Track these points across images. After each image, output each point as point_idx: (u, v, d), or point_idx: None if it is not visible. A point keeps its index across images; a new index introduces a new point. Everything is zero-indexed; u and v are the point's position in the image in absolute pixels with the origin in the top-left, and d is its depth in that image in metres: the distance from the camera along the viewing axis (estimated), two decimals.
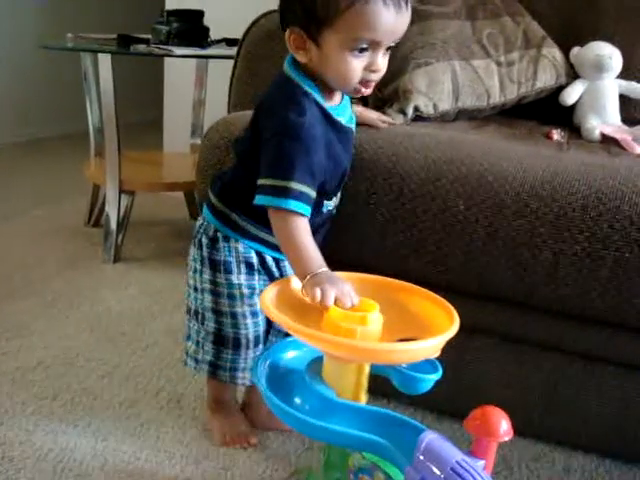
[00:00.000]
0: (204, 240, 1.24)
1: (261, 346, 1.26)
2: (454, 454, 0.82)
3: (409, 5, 1.06)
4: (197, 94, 2.78)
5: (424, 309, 1.03)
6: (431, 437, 0.84)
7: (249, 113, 1.50)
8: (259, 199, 1.07)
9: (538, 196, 1.22)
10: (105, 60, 2.17)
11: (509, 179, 1.24)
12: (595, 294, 1.20)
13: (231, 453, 1.33)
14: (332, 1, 1.02)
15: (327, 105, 1.12)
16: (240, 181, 1.19)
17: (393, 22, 1.03)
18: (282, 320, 0.91)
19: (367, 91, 1.12)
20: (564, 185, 1.22)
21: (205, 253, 1.24)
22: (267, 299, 0.97)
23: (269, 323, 1.27)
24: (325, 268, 1.01)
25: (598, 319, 1.25)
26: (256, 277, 1.23)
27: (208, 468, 1.29)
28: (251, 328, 1.24)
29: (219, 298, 1.24)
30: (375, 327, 0.94)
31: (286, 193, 1.04)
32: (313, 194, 1.07)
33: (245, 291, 1.23)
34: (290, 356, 1.06)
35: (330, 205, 1.21)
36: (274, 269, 1.24)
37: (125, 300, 2.00)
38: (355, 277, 1.07)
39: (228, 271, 1.22)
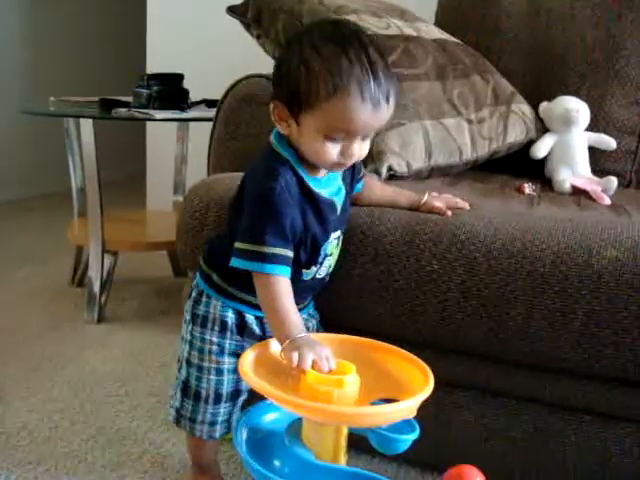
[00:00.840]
0: (193, 294, 1.29)
1: (223, 405, 1.26)
2: None
3: (391, 99, 1.08)
4: (179, 152, 2.83)
5: (400, 368, 1.05)
6: None
7: (228, 176, 1.55)
8: (234, 261, 1.11)
9: (509, 253, 1.25)
10: (87, 124, 2.22)
11: (480, 237, 1.28)
12: (568, 347, 1.23)
13: None
14: (314, 89, 1.05)
15: (307, 176, 1.15)
16: (221, 244, 1.24)
17: (370, 118, 1.06)
18: (259, 386, 0.93)
19: (341, 169, 1.17)
20: (534, 241, 1.26)
21: (189, 307, 1.28)
22: (245, 364, 0.99)
23: (238, 386, 1.28)
24: (304, 333, 1.04)
25: (573, 371, 1.27)
26: (228, 337, 1.25)
27: None
28: (212, 384, 1.25)
29: (192, 350, 1.27)
30: (352, 389, 0.95)
31: (260, 257, 1.08)
32: (289, 253, 1.10)
33: (214, 348, 1.25)
34: (270, 418, 1.07)
35: (309, 274, 1.22)
36: (255, 327, 1.26)
37: (109, 361, 2.01)
38: (333, 338, 1.10)
39: (202, 325, 1.26)
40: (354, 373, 0.97)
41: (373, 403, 0.98)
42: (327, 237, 1.21)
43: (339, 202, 1.22)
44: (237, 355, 1.21)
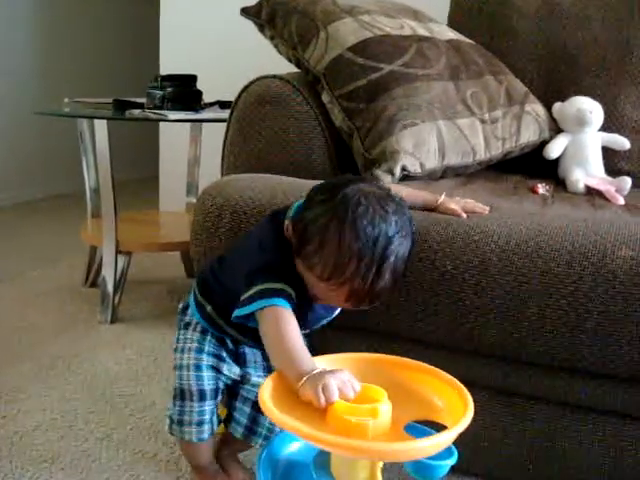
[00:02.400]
0: (182, 308, 1.39)
1: (207, 402, 1.29)
2: None
3: (377, 302, 1.10)
4: (192, 153, 2.84)
5: (427, 385, 0.99)
6: None
7: (242, 177, 1.56)
8: (240, 311, 1.11)
9: (523, 253, 1.25)
10: (101, 125, 2.23)
11: (494, 237, 1.28)
12: (582, 347, 1.23)
13: None
14: (315, 262, 1.06)
15: None
16: (217, 281, 1.31)
17: (346, 307, 1.12)
18: (286, 423, 0.86)
19: None
20: (548, 241, 1.26)
21: (177, 319, 1.39)
22: (266, 397, 0.91)
23: (217, 384, 1.31)
24: (318, 369, 0.98)
25: (587, 370, 1.27)
26: (207, 340, 1.32)
27: None
28: (193, 380, 1.28)
29: (176, 353, 1.33)
30: (386, 417, 0.89)
31: (268, 294, 1.08)
32: (292, 292, 1.10)
33: (193, 346, 1.31)
34: (294, 448, 1.02)
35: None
36: (229, 342, 1.33)
37: (123, 361, 2.02)
38: (353, 358, 1.05)
39: (185, 328, 1.34)
40: (386, 399, 0.91)
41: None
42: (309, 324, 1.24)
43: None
44: (215, 356, 1.30)
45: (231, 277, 1.23)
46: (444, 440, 0.85)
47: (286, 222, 1.15)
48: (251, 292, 1.09)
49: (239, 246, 1.30)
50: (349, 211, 1.04)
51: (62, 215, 3.93)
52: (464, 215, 1.35)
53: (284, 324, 1.06)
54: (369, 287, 1.05)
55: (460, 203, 1.39)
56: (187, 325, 1.34)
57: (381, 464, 0.94)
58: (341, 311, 1.27)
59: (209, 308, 1.30)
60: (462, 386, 0.95)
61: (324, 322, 1.28)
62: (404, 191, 1.41)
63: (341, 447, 0.84)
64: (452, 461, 0.94)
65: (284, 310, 1.07)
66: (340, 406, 0.88)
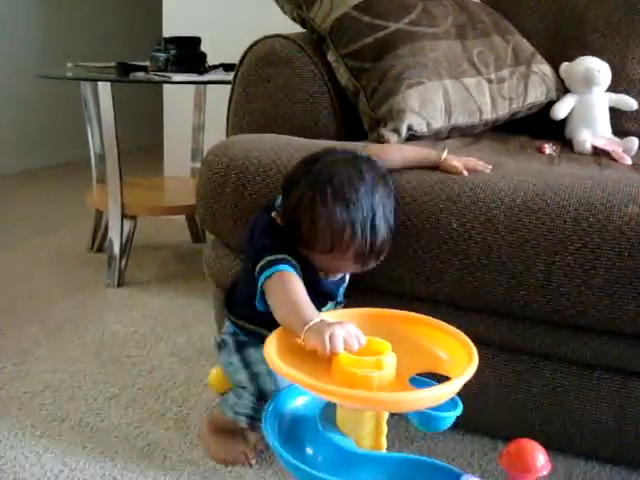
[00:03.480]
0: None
1: None
2: None
3: (382, 257, 1.16)
4: (196, 118, 2.83)
5: (432, 339, 0.99)
6: None
7: (248, 137, 1.55)
8: (257, 298, 1.14)
9: (530, 210, 1.25)
10: (105, 88, 2.22)
11: (501, 195, 1.27)
12: (589, 303, 1.23)
13: (238, 470, 1.35)
14: (312, 240, 1.11)
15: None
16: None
17: (355, 270, 1.17)
18: (292, 375, 0.86)
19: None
20: (555, 198, 1.25)
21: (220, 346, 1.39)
22: (271, 350, 0.92)
23: None
24: (322, 317, 1.00)
25: (593, 327, 1.27)
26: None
27: None
28: (276, 382, 1.25)
29: (240, 372, 1.33)
30: (391, 370, 0.89)
31: (270, 264, 1.11)
32: (294, 261, 1.12)
33: (255, 356, 1.31)
34: (299, 403, 1.02)
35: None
36: None
37: (130, 323, 2.03)
38: (358, 313, 1.05)
39: (236, 350, 1.35)
40: (390, 351, 0.91)
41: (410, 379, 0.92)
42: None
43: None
44: None
45: (245, 280, 1.26)
46: (449, 390, 0.86)
47: (273, 214, 1.18)
48: (256, 271, 1.12)
49: (245, 253, 1.31)
50: (327, 183, 1.10)
51: (65, 183, 3.92)
52: (465, 173, 1.34)
53: (289, 282, 1.08)
54: (370, 244, 1.09)
55: (462, 160, 1.38)
56: (240, 345, 1.33)
57: (386, 416, 0.94)
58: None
59: (246, 324, 1.32)
60: (466, 338, 0.96)
61: (342, 290, 1.29)
62: (406, 149, 1.42)
63: (347, 398, 0.84)
64: (457, 412, 0.95)
65: (288, 273, 1.09)
66: (345, 359, 0.88)
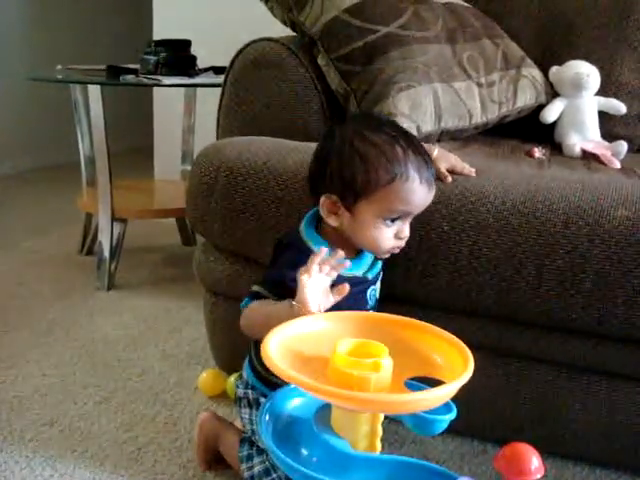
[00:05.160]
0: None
1: None
2: None
3: (434, 174, 1.17)
4: (186, 121, 2.83)
5: (427, 344, 0.99)
6: None
7: (238, 140, 1.55)
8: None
9: (520, 213, 1.26)
10: (95, 91, 2.21)
11: (491, 198, 1.28)
12: (578, 307, 1.24)
13: (228, 475, 1.35)
14: (373, 177, 1.10)
15: None
16: None
17: (425, 197, 1.15)
18: (292, 377, 0.85)
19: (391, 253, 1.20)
20: (545, 202, 1.26)
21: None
22: (269, 351, 0.90)
23: None
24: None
25: (582, 330, 1.28)
26: None
27: None
28: None
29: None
30: (387, 372, 0.89)
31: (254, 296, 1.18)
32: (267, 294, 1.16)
33: None
34: (295, 404, 1.01)
35: None
36: None
37: (120, 327, 2.03)
38: (356, 316, 1.03)
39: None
40: (387, 354, 0.90)
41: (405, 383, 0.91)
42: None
43: (374, 274, 1.26)
44: None
45: None
46: (445, 393, 0.85)
47: (322, 200, 1.16)
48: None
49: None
50: (353, 128, 1.16)
51: (55, 186, 3.91)
52: (449, 179, 1.34)
53: (252, 309, 1.16)
54: (422, 160, 1.13)
55: (450, 161, 1.38)
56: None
57: (382, 418, 0.94)
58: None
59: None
60: (462, 343, 0.96)
61: (375, 294, 1.29)
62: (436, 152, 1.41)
63: (344, 399, 0.84)
64: (451, 416, 0.95)
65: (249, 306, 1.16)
66: (342, 360, 0.87)
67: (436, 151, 1.37)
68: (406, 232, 1.17)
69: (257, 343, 1.27)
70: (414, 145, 1.14)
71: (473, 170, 1.39)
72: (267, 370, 1.20)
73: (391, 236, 1.15)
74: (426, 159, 1.14)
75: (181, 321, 2.07)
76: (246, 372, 1.30)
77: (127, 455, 1.40)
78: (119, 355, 1.84)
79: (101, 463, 1.37)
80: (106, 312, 2.14)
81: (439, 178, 1.32)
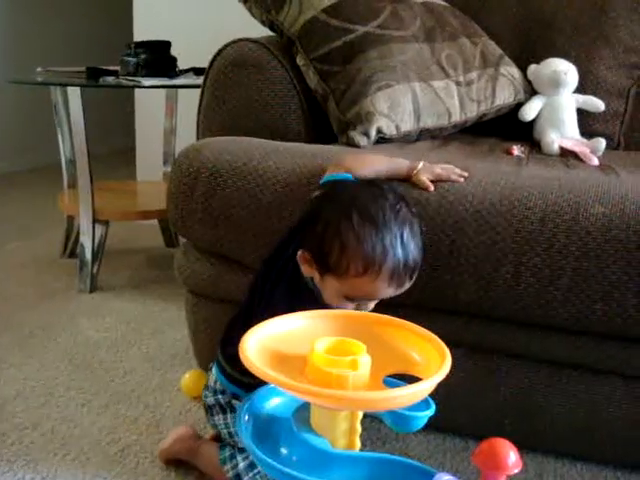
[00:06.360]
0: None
1: None
2: None
3: (415, 274, 1.13)
4: (168, 123, 2.82)
5: (406, 341, 0.99)
6: None
7: (218, 140, 1.55)
8: None
9: (497, 212, 1.26)
10: (74, 93, 2.20)
11: (469, 198, 1.29)
12: (557, 303, 1.25)
13: (210, 478, 1.34)
14: (344, 265, 1.08)
15: None
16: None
17: (392, 292, 1.12)
18: (270, 376, 0.84)
19: None
20: (522, 200, 1.27)
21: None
22: (247, 350, 0.89)
23: None
24: None
25: (562, 327, 1.29)
26: None
27: None
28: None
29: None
30: (365, 370, 0.88)
31: None
32: None
33: None
34: (274, 404, 1.01)
35: None
36: None
37: (102, 329, 2.02)
38: (336, 314, 1.03)
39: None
40: (365, 352, 0.90)
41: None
42: None
43: None
44: None
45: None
46: (422, 389, 0.86)
47: (299, 252, 1.16)
48: None
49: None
50: (352, 206, 1.09)
51: (37, 188, 3.89)
52: (432, 189, 1.32)
53: None
54: (403, 261, 1.08)
55: (436, 171, 1.35)
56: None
57: (360, 416, 0.95)
58: None
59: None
60: (439, 339, 0.96)
61: None
62: (379, 161, 1.37)
63: (322, 397, 0.84)
64: (430, 412, 0.96)
65: None
66: (320, 359, 0.87)
67: (420, 164, 1.34)
68: (369, 308, 1.16)
69: (223, 345, 1.32)
70: (401, 246, 1.09)
71: (465, 174, 1.35)
72: (237, 371, 1.24)
73: (352, 307, 1.14)
74: (408, 260, 1.10)
75: (164, 323, 2.07)
76: (216, 375, 1.31)
77: (109, 457, 1.40)
78: (101, 357, 1.84)
79: (83, 465, 1.37)
80: (89, 314, 2.13)
81: (422, 188, 1.32)
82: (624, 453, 1.39)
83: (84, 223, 2.34)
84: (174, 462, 1.39)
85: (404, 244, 1.09)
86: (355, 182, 1.18)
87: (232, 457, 1.27)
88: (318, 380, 0.85)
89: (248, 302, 1.29)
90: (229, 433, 1.29)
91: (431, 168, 1.35)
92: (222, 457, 1.28)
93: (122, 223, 2.81)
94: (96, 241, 2.36)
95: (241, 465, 1.25)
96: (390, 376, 0.93)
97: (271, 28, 1.78)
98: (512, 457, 0.86)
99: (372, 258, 1.07)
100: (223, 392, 1.30)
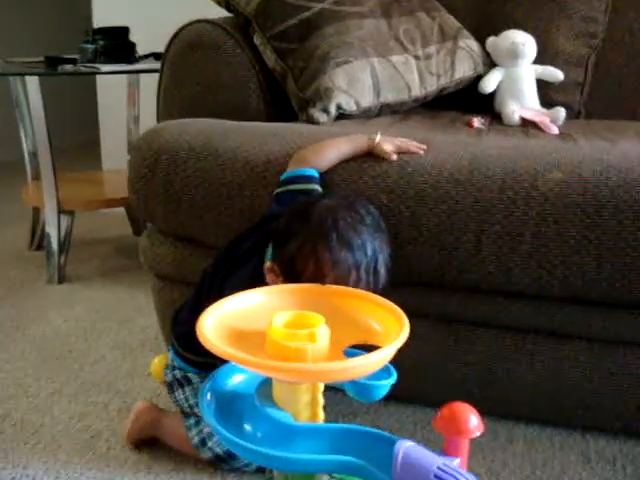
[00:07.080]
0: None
1: None
2: (433, 460, 0.80)
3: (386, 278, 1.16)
4: (130, 110, 2.80)
5: (366, 312, 0.99)
6: (406, 447, 0.82)
7: (177, 122, 1.54)
8: None
9: (457, 182, 1.27)
10: (33, 82, 2.18)
11: (428, 169, 1.29)
12: (517, 269, 1.26)
13: (180, 459, 1.34)
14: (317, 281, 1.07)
15: None
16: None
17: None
18: (229, 354, 0.84)
19: None
20: (481, 169, 1.28)
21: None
22: (205, 330, 0.89)
23: None
24: None
25: (523, 293, 1.31)
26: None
27: (160, 472, 1.31)
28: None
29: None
30: (324, 342, 0.89)
31: None
32: None
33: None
34: (236, 381, 1.01)
35: None
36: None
37: (71, 319, 2.01)
38: (295, 288, 1.04)
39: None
40: (323, 324, 0.90)
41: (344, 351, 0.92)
42: None
43: None
44: None
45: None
46: (380, 357, 0.86)
47: (267, 264, 1.16)
48: None
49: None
50: (330, 228, 1.11)
51: (3, 183, 3.84)
52: (395, 157, 1.33)
53: None
54: (373, 287, 1.12)
55: (396, 143, 1.36)
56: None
57: (322, 388, 0.95)
58: None
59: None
60: (397, 308, 0.97)
61: None
62: (339, 143, 1.37)
63: (281, 371, 0.85)
64: (391, 381, 0.96)
65: None
66: (278, 333, 0.87)
67: (378, 136, 1.35)
68: None
69: (173, 325, 1.37)
70: (373, 275, 1.13)
71: (423, 146, 1.36)
72: (189, 351, 1.29)
73: None
74: (377, 286, 1.13)
75: (133, 310, 2.06)
76: (171, 355, 1.36)
77: (81, 443, 1.40)
78: (71, 347, 1.83)
79: (54, 453, 1.36)
80: (57, 305, 2.12)
81: (384, 158, 1.33)
82: (592, 417, 1.41)
83: (49, 214, 2.32)
84: (144, 444, 1.39)
85: (377, 272, 1.13)
86: (332, 201, 1.18)
87: (197, 424, 1.30)
88: (277, 354, 0.86)
89: (198, 287, 1.33)
90: (189, 406, 1.31)
91: (390, 139, 1.37)
92: (187, 424, 1.30)
93: (90, 214, 2.79)
94: (62, 232, 2.34)
95: (206, 430, 1.27)
96: (352, 347, 0.93)
97: (227, 8, 1.77)
98: (473, 420, 0.86)
99: (345, 283, 1.09)
100: (180, 368, 1.34)
